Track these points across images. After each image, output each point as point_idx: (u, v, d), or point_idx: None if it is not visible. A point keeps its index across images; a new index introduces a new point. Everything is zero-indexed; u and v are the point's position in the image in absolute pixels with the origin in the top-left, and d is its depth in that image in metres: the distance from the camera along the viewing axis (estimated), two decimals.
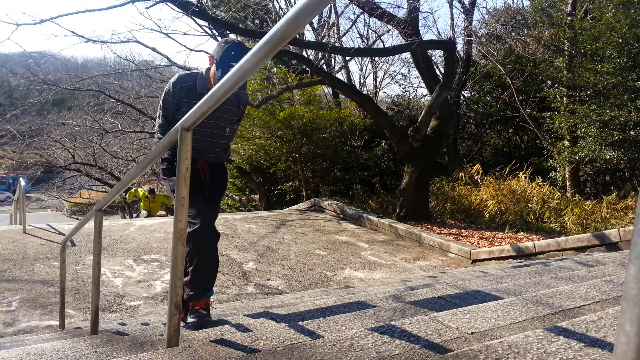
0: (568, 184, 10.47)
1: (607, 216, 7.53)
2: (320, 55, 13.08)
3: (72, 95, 22.05)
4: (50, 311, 3.81)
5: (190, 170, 1.71)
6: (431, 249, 6.33)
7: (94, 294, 2.64)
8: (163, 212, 11.36)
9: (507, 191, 8.76)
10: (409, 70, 17.74)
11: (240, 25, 10.59)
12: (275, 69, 14.76)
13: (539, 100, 12.03)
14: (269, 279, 4.86)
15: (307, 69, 11.15)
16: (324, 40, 13.73)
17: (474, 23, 14.24)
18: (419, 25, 8.67)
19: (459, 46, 13.38)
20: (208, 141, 2.59)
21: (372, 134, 13.16)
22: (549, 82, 12.36)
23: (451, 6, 13.46)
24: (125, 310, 3.92)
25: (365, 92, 13.90)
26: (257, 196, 13.17)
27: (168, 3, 7.50)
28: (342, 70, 16.07)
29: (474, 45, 13.70)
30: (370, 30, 16.20)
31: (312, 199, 9.65)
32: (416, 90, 21.87)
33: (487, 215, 8.18)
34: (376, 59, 16.48)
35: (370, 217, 7.64)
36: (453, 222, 8.32)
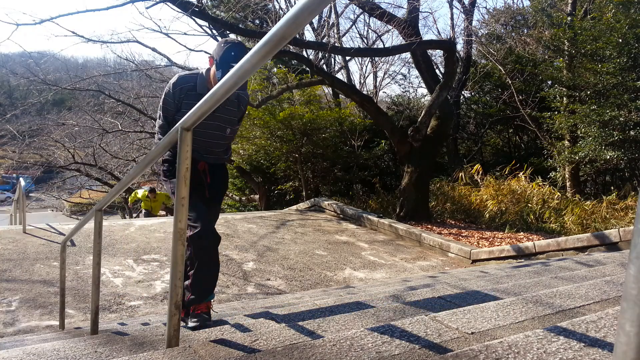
0: (568, 184, 10.47)
1: (607, 216, 7.53)
2: (320, 55, 13.08)
3: (72, 95, 22.06)
4: (50, 311, 3.81)
5: (190, 171, 1.71)
6: (431, 249, 6.33)
7: (94, 294, 2.64)
8: (163, 212, 11.36)
9: (507, 191, 8.76)
10: (409, 70, 17.76)
11: (240, 25, 10.59)
12: (275, 69, 14.76)
13: (539, 100, 12.03)
14: (269, 279, 4.86)
15: (307, 69, 11.15)
16: (324, 40, 13.74)
17: (474, 23, 14.25)
18: (419, 25, 8.68)
19: (459, 46, 13.39)
20: (209, 142, 2.57)
21: (372, 134, 13.16)
22: (549, 82, 12.36)
23: (451, 6, 13.47)
24: (125, 310, 3.92)
25: (365, 92, 13.90)
26: (257, 196, 13.17)
27: (168, 3, 7.50)
28: (342, 70, 16.08)
29: (474, 45, 13.70)
30: (370, 30, 16.21)
31: (312, 199, 9.65)
32: (416, 90, 21.88)
33: (487, 215, 8.18)
34: (376, 59, 16.48)
35: (370, 217, 7.64)
36: (453, 222, 8.32)
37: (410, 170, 8.23)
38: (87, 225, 3.42)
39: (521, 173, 9.49)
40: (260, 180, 13.31)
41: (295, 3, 5.07)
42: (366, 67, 17.82)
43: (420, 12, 9.14)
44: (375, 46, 15.18)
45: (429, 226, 7.51)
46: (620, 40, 8.53)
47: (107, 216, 14.27)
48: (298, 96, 13.04)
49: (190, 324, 2.31)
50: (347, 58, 15.01)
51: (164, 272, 4.88)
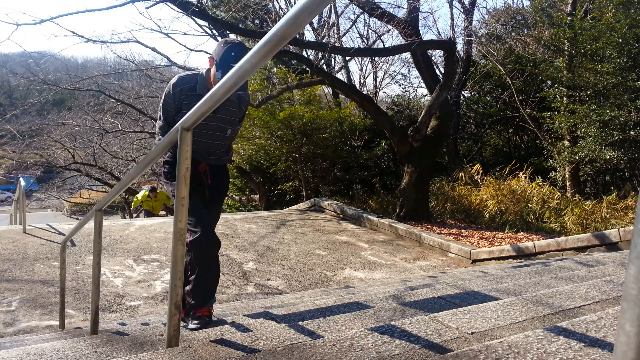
0: (568, 184, 10.47)
1: (607, 216, 7.53)
2: (320, 55, 13.08)
3: (72, 95, 22.06)
4: (50, 311, 3.81)
5: (190, 171, 1.70)
6: (431, 249, 6.33)
7: (94, 294, 2.64)
8: (163, 212, 11.36)
9: (507, 191, 8.76)
10: (409, 70, 17.76)
11: (240, 25, 10.59)
12: (275, 69, 14.76)
13: (539, 100, 12.03)
14: (269, 279, 4.86)
15: (307, 69, 11.15)
16: (324, 40, 13.74)
17: (474, 23, 14.25)
18: (419, 25, 8.68)
19: (459, 46, 13.39)
20: (210, 143, 2.56)
21: (372, 134, 13.16)
22: (549, 82, 12.36)
23: (451, 6, 13.47)
24: (125, 310, 3.92)
25: (365, 92, 13.91)
26: (257, 196, 13.17)
27: (168, 3, 7.50)
28: (342, 70, 16.08)
29: (474, 45, 13.70)
30: (370, 30, 16.21)
31: (312, 199, 9.65)
32: (416, 90, 21.89)
33: (487, 215, 8.18)
34: (376, 59, 16.48)
35: (370, 217, 7.64)
36: (453, 222, 8.32)
37: (410, 170, 8.23)
38: (87, 225, 3.42)
39: (521, 173, 9.49)
40: (260, 180, 13.31)
41: (295, 3, 5.07)
42: (366, 67, 17.84)
43: (420, 12, 9.14)
44: (375, 46, 15.18)
45: (429, 226, 7.51)
46: (620, 40, 8.53)
47: (107, 216, 14.27)
48: (298, 96, 13.04)
49: (191, 326, 2.31)
50: (347, 58, 15.01)
51: (164, 272, 4.88)
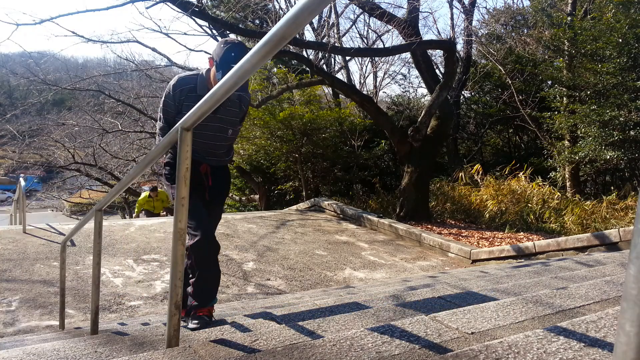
0: (568, 184, 10.47)
1: (607, 216, 7.53)
2: (320, 55, 13.08)
3: (72, 95, 22.06)
4: (50, 311, 3.81)
5: (190, 171, 1.70)
6: (431, 249, 6.33)
7: (94, 294, 2.64)
8: (163, 212, 11.36)
9: (507, 191, 8.76)
10: (409, 70, 17.75)
11: (240, 25, 10.59)
12: (275, 69, 14.76)
13: (539, 100, 12.04)
14: (269, 279, 4.86)
15: (307, 69, 11.15)
16: (324, 40, 13.74)
17: (474, 23, 14.25)
18: (419, 25, 8.68)
19: (459, 46, 13.39)
20: (210, 143, 2.55)
21: (372, 134, 13.17)
22: (549, 82, 12.36)
23: (451, 6, 13.47)
24: (125, 310, 3.92)
25: (365, 92, 13.91)
26: (257, 196, 13.17)
27: (168, 3, 7.50)
28: (342, 70, 16.08)
29: (474, 45, 13.70)
30: (370, 30, 16.21)
31: (312, 199, 9.65)
32: (416, 90, 21.89)
33: (487, 215, 8.18)
34: (376, 59, 16.48)
35: (370, 217, 7.64)
36: (453, 222, 8.32)
37: (410, 170, 8.24)
38: (87, 225, 3.42)
39: (521, 173, 9.49)
40: (260, 180, 13.31)
41: (295, 3, 5.08)
42: (366, 67, 17.84)
43: (420, 12, 9.14)
44: (375, 46, 15.18)
45: (429, 226, 7.51)
46: (620, 40, 8.53)
47: (107, 216, 14.27)
48: (298, 96, 13.04)
49: (191, 326, 2.31)
50: (347, 58, 15.01)
51: (164, 272, 4.88)
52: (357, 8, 11.96)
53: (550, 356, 1.20)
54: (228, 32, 10.05)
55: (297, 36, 8.57)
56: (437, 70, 11.37)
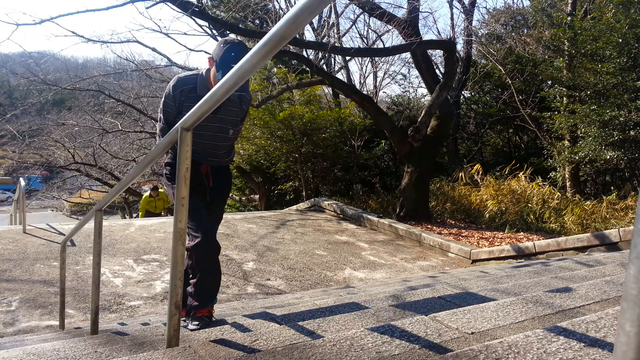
0: (568, 184, 10.47)
1: (607, 216, 7.53)
2: (320, 55, 13.08)
3: (72, 95, 22.06)
4: (50, 311, 3.81)
5: (190, 171, 1.70)
6: (431, 249, 6.33)
7: (94, 294, 2.64)
8: (163, 212, 11.35)
9: (507, 191, 8.76)
10: (409, 70, 17.76)
11: (240, 25, 10.59)
12: (275, 69, 14.76)
13: (539, 100, 12.04)
14: (269, 279, 4.86)
15: (307, 69, 11.15)
16: (324, 40, 13.74)
17: (474, 23, 14.25)
18: (419, 25, 8.68)
19: (459, 46, 13.39)
20: (211, 144, 2.53)
21: (372, 134, 13.17)
22: (549, 82, 12.36)
23: (451, 6, 13.47)
24: (125, 310, 3.92)
25: (365, 92, 13.91)
26: (257, 196, 13.17)
27: (168, 3, 7.50)
28: (342, 70, 16.08)
29: (474, 45, 13.70)
30: (370, 30, 16.21)
31: (312, 199, 9.65)
32: (416, 90, 21.89)
33: (487, 215, 8.18)
34: (376, 59, 16.48)
35: (370, 217, 7.64)
36: (453, 222, 8.32)
37: (410, 170, 8.24)
38: (87, 225, 3.42)
39: (521, 173, 9.49)
40: (260, 180, 13.31)
41: (295, 3, 5.08)
42: (366, 67, 17.84)
43: (420, 12, 9.15)
44: (375, 46, 15.18)
45: (429, 226, 7.51)
46: (620, 40, 8.53)
47: (107, 216, 14.28)
48: (298, 96, 13.04)
49: (191, 327, 2.31)
50: (347, 58, 15.01)
51: (164, 272, 4.88)
52: (357, 8, 11.96)
53: (550, 356, 1.20)
54: (228, 32, 10.05)
55: (297, 36, 8.57)
56: (437, 70, 11.37)
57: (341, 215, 8.29)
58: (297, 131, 11.22)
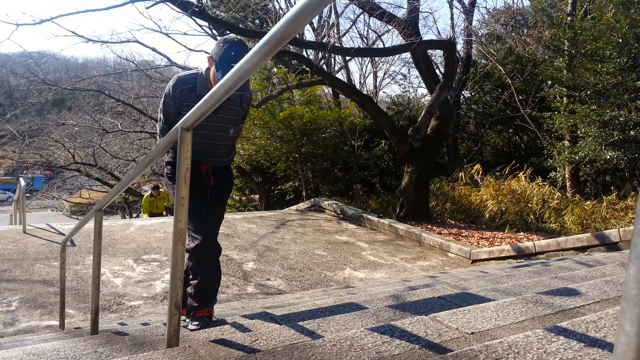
0: (568, 184, 10.47)
1: (607, 216, 7.53)
2: (320, 55, 13.08)
3: (72, 95, 22.06)
4: (50, 311, 3.81)
5: (190, 171, 1.70)
6: (431, 249, 6.33)
7: (94, 294, 2.64)
8: (164, 213, 11.35)
9: (507, 191, 8.76)
10: (409, 70, 17.76)
11: (240, 25, 10.58)
12: (275, 69, 14.76)
13: (539, 100, 12.04)
14: (269, 279, 4.86)
15: (307, 69, 11.15)
16: (324, 40, 13.74)
17: (474, 23, 14.25)
18: (419, 25, 8.68)
19: (459, 46, 13.40)
20: (212, 143, 2.51)
21: (372, 134, 13.17)
22: (549, 82, 12.36)
23: (451, 6, 13.47)
24: (125, 310, 3.92)
25: (365, 92, 13.91)
26: (257, 196, 13.17)
27: (168, 3, 7.50)
28: (342, 70, 16.08)
29: (474, 45, 13.71)
30: (370, 30, 16.22)
31: (312, 199, 9.65)
32: (416, 90, 21.89)
33: (487, 215, 8.18)
34: (376, 59, 16.49)
35: (370, 217, 7.64)
36: (453, 222, 8.32)
37: (410, 170, 8.24)
38: (87, 225, 3.41)
39: (521, 173, 9.49)
40: (260, 180, 13.31)
41: (295, 3, 5.08)
42: (366, 67, 17.85)
43: (420, 12, 9.15)
44: (375, 46, 15.18)
45: (429, 226, 7.51)
46: (620, 40, 8.53)
47: (107, 216, 14.27)
48: (298, 96, 13.04)
49: (191, 327, 2.31)
50: (347, 58, 15.02)
51: (164, 272, 4.88)
52: (357, 8, 11.96)
53: (550, 356, 1.20)
54: (228, 32, 10.04)
55: (297, 36, 8.57)
56: (437, 70, 11.37)
57: (341, 215, 8.29)
58: (297, 131, 11.22)
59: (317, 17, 15.07)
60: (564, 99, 10.48)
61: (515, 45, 12.66)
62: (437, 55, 14.23)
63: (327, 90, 15.45)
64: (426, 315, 1.69)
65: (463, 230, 7.25)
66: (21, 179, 8.74)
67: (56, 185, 20.16)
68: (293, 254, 5.80)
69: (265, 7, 12.40)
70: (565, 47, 10.53)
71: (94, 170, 16.44)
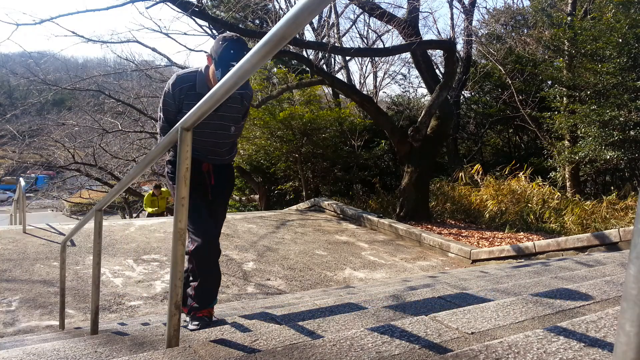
0: (568, 184, 10.47)
1: (607, 216, 7.53)
2: (320, 55, 13.08)
3: (72, 95, 22.06)
4: (50, 311, 3.81)
5: (190, 171, 1.69)
6: (431, 249, 6.33)
7: (94, 294, 2.64)
8: (165, 212, 11.35)
9: (507, 191, 8.76)
10: (409, 70, 17.77)
11: (240, 25, 10.58)
12: (275, 69, 14.76)
13: (539, 100, 12.04)
14: (269, 279, 4.86)
15: (307, 69, 11.16)
16: (324, 40, 13.74)
17: (474, 23, 14.26)
18: (419, 25, 8.68)
19: (459, 46, 13.40)
20: (213, 142, 2.48)
21: (372, 134, 13.17)
22: (549, 82, 12.36)
23: (451, 6, 13.47)
24: (125, 310, 3.92)
25: (365, 92, 13.91)
26: (257, 196, 13.17)
27: (168, 3, 7.50)
28: (342, 70, 16.08)
29: (474, 45, 13.71)
30: (370, 30, 16.22)
31: (312, 199, 9.65)
32: (416, 90, 21.89)
33: (487, 215, 8.18)
34: (376, 59, 16.49)
35: (370, 217, 7.64)
36: (453, 222, 8.32)
37: (410, 170, 8.24)
38: (87, 225, 3.41)
39: (521, 173, 9.49)
40: (260, 180, 13.31)
41: (295, 3, 5.08)
42: (366, 67, 17.85)
43: (420, 12, 9.15)
44: (375, 46, 15.18)
45: (429, 226, 7.51)
46: (620, 40, 8.53)
47: (107, 216, 14.28)
48: (298, 96, 13.04)
49: (191, 327, 2.31)
50: (347, 58, 15.02)
51: (164, 272, 4.88)
52: (357, 8, 11.96)
53: (550, 356, 1.20)
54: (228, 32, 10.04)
55: (297, 36, 8.57)
56: (437, 70, 11.37)
57: (341, 215, 8.29)
58: (297, 131, 11.22)
59: (317, 17, 15.07)
60: (564, 99, 10.48)
61: (515, 45, 12.66)
62: (437, 55, 14.24)
63: (327, 90, 15.45)
64: (426, 315, 1.69)
65: (463, 230, 7.25)
66: (21, 179, 8.74)
67: (56, 185, 20.17)
68: (293, 254, 5.80)
69: (265, 7, 12.40)
70: (565, 47, 10.53)
71: (94, 170, 16.44)
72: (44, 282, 4.45)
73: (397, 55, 15.42)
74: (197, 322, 2.31)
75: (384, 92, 29.83)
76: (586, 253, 4.64)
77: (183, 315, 2.40)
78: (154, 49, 16.60)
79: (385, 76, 17.79)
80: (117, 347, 1.89)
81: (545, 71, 11.12)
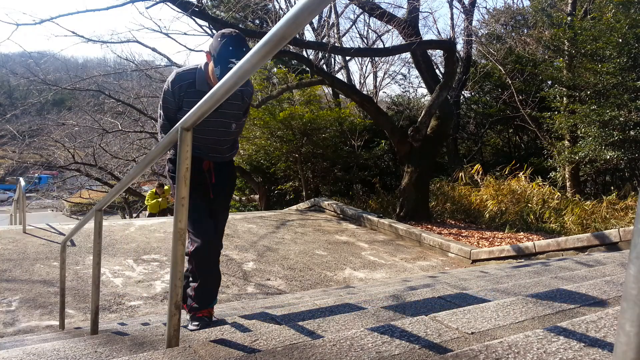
0: (568, 184, 10.47)
1: (607, 216, 7.53)
2: (320, 55, 13.08)
3: (72, 95, 22.06)
4: (50, 311, 3.81)
5: (190, 171, 1.69)
6: (431, 249, 6.33)
7: (94, 294, 2.64)
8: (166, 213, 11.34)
9: (507, 191, 8.76)
10: (409, 70, 17.77)
11: (240, 25, 10.58)
12: (275, 69, 14.77)
13: (539, 100, 12.04)
14: (269, 279, 4.86)
15: (307, 69, 11.16)
16: (324, 40, 13.74)
17: (474, 23, 14.26)
18: (419, 25, 8.69)
19: (459, 46, 13.40)
20: (214, 139, 2.46)
21: (372, 134, 13.17)
22: (549, 82, 12.36)
23: (451, 6, 13.48)
24: (125, 310, 3.92)
25: (365, 92, 13.91)
26: (257, 196, 13.17)
27: (168, 3, 7.50)
28: (342, 70, 16.09)
29: (474, 45, 13.71)
30: (370, 30, 16.23)
31: (312, 199, 9.65)
32: (416, 90, 21.90)
33: (487, 215, 8.18)
34: (376, 59, 16.49)
35: (370, 217, 7.64)
36: (453, 222, 8.32)
37: (410, 170, 8.24)
38: (87, 225, 3.41)
39: (521, 173, 9.50)
40: (260, 180, 13.31)
41: (295, 3, 5.08)
42: (366, 67, 17.85)
43: (420, 12, 9.15)
44: (375, 46, 15.18)
45: (429, 226, 7.51)
46: (620, 40, 8.53)
47: (107, 216, 14.27)
48: (298, 96, 13.05)
49: (191, 327, 2.31)
50: (347, 58, 15.02)
51: (164, 272, 4.88)
52: (357, 8, 11.96)
53: (550, 356, 1.20)
54: None
55: (297, 36, 8.57)
56: (437, 70, 11.37)
57: (341, 215, 8.29)
58: (297, 131, 11.22)
59: (317, 17, 15.07)
60: (564, 99, 10.48)
61: (515, 45, 12.66)
62: (437, 55, 14.24)
63: (327, 90, 15.45)
64: (426, 315, 1.69)
65: (463, 230, 7.25)
66: (21, 179, 8.73)
67: (56, 185, 20.18)
68: (293, 254, 5.80)
69: (265, 7, 12.40)
70: (565, 47, 10.53)
71: (94, 170, 16.44)
72: (44, 282, 4.45)
73: (397, 55, 15.43)
74: (197, 322, 2.31)
75: (384, 92, 29.85)
76: (586, 253, 4.64)
77: (183, 315, 2.40)
78: (154, 49, 16.61)
79: (385, 76, 17.81)
80: (117, 347, 1.89)
81: (545, 71, 11.12)
